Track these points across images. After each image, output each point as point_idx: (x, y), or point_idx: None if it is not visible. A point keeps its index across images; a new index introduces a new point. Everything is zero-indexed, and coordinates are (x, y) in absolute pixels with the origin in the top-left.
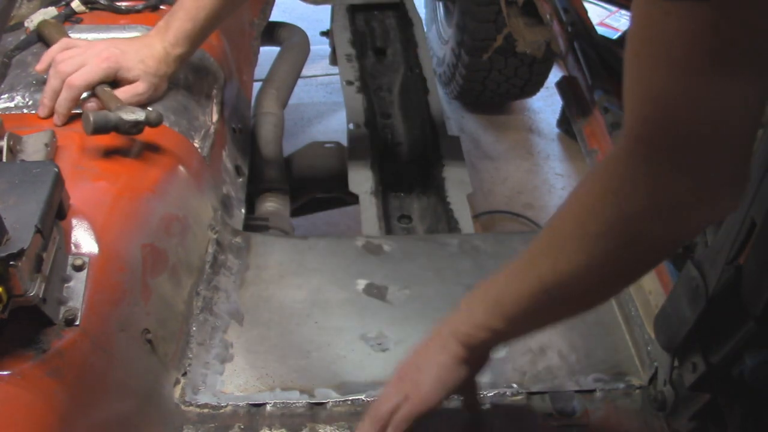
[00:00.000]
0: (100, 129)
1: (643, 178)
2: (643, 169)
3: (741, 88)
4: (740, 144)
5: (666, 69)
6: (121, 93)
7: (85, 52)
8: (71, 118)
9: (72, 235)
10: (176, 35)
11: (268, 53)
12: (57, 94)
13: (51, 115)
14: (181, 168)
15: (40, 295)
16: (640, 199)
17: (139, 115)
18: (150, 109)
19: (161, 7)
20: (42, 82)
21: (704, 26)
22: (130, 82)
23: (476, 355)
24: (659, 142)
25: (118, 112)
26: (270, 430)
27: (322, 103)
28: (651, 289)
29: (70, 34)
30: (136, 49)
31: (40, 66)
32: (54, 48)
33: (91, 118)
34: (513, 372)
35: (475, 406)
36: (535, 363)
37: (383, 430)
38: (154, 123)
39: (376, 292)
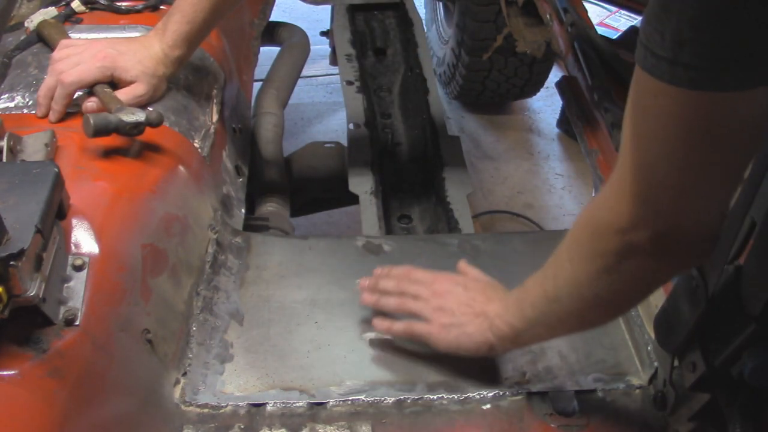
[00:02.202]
0: (101, 131)
1: (618, 222)
2: (618, 213)
3: (708, 184)
4: (711, 222)
5: (650, 143)
6: (121, 94)
7: (83, 52)
8: (71, 117)
9: (72, 235)
10: (174, 37)
11: (268, 53)
12: (52, 91)
13: (48, 113)
14: (181, 168)
15: (40, 295)
16: (614, 238)
17: (140, 116)
18: (150, 109)
19: (161, 7)
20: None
21: (688, 116)
22: (128, 82)
23: (501, 346)
24: (635, 205)
25: (119, 113)
26: (270, 430)
27: (322, 103)
28: None
29: (70, 34)
30: (134, 50)
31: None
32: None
33: (92, 121)
34: (513, 372)
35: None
36: (535, 363)
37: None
38: (155, 123)
39: None
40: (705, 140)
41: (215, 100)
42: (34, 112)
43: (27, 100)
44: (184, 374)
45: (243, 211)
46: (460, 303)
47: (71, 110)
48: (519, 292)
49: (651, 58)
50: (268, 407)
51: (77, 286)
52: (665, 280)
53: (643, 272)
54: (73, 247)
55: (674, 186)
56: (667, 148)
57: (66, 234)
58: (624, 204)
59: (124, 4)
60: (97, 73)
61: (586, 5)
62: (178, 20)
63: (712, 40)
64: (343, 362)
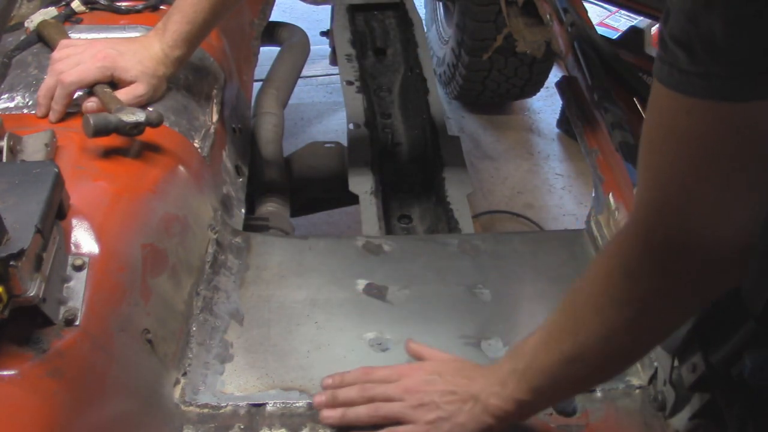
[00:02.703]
0: (101, 131)
1: (647, 259)
2: (645, 250)
3: (746, 198)
4: (740, 243)
5: (676, 164)
6: (122, 94)
7: (83, 52)
8: (71, 117)
9: (72, 235)
10: (174, 37)
11: (268, 53)
12: (52, 91)
13: (47, 113)
14: (181, 168)
15: (40, 295)
16: (647, 277)
17: (140, 116)
18: (150, 109)
19: (161, 7)
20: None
21: (723, 132)
22: (128, 82)
23: (502, 426)
24: (660, 227)
25: (118, 113)
26: (270, 430)
27: (322, 103)
28: None
29: (70, 34)
30: (134, 50)
31: None
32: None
33: (92, 121)
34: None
35: None
36: None
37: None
38: (155, 123)
39: (376, 292)
40: (749, 152)
41: (215, 100)
42: (34, 112)
43: (27, 100)
44: (184, 374)
45: (243, 211)
46: (441, 392)
47: (71, 110)
48: (515, 362)
49: (678, 75)
50: (268, 407)
51: (77, 286)
52: (706, 304)
53: (686, 300)
54: (73, 247)
55: (715, 203)
56: (705, 167)
57: (66, 234)
58: (660, 234)
59: (124, 4)
60: (96, 73)
61: (586, 5)
62: (178, 20)
63: (750, 46)
64: (343, 362)
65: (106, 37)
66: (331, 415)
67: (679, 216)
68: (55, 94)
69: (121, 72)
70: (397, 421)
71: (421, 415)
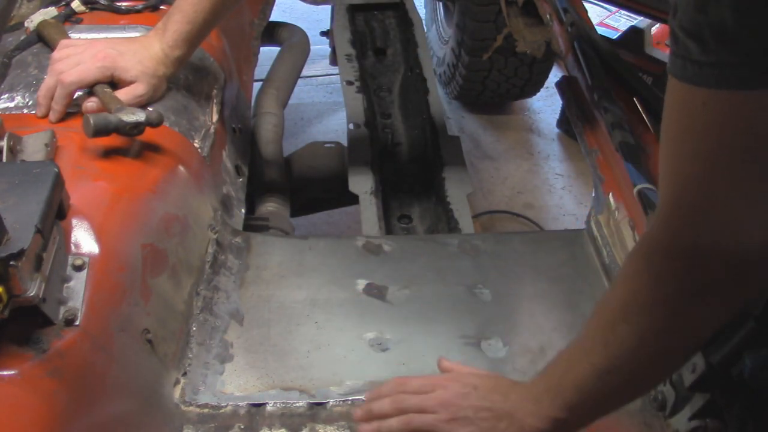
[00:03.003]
0: (101, 131)
1: (671, 259)
2: (669, 250)
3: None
4: (763, 239)
5: (695, 160)
6: (122, 94)
7: (83, 52)
8: (71, 117)
9: (72, 235)
10: (174, 37)
11: (268, 53)
12: (52, 92)
13: (48, 113)
14: (181, 168)
15: (40, 295)
16: (677, 279)
17: (140, 116)
18: (150, 109)
19: (161, 7)
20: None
21: (739, 122)
22: (128, 82)
23: None
24: (683, 227)
25: (118, 113)
26: (270, 430)
27: (322, 103)
28: None
29: (70, 34)
30: (134, 50)
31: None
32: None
33: (92, 121)
34: (513, 372)
35: None
36: (535, 363)
37: None
38: (155, 123)
39: (376, 292)
40: (766, 143)
41: (215, 100)
42: (34, 112)
43: (27, 100)
44: (184, 374)
45: (243, 211)
46: (476, 408)
47: (71, 110)
48: (548, 378)
49: (691, 67)
50: (268, 407)
51: (77, 286)
52: (735, 311)
53: (714, 304)
54: (73, 247)
55: (735, 199)
56: (724, 160)
57: (66, 234)
58: (683, 233)
59: (124, 4)
60: (97, 73)
61: (586, 5)
62: (178, 20)
63: (760, 33)
64: (343, 362)
65: (106, 37)
66: (366, 429)
67: (702, 214)
68: (55, 94)
69: (121, 72)
70: None
71: (455, 429)
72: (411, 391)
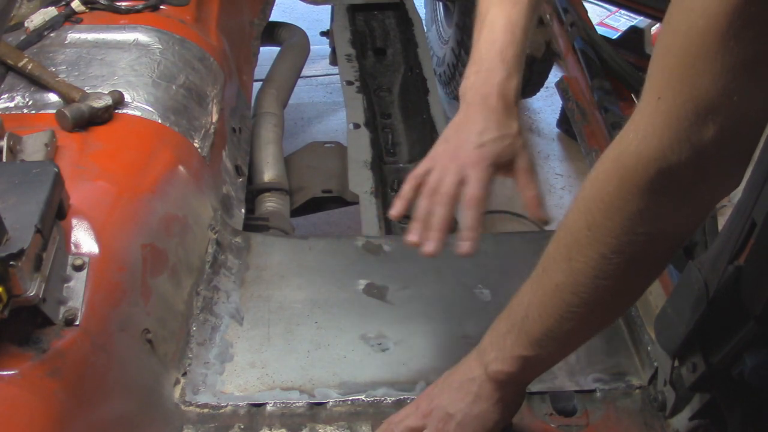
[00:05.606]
0: (79, 122)
1: (652, 139)
2: (653, 127)
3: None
4: (749, 124)
5: (686, 37)
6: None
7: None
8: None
9: (72, 235)
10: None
11: (268, 53)
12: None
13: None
14: (181, 168)
15: (40, 295)
16: (647, 168)
17: (107, 99)
18: (112, 90)
19: (161, 7)
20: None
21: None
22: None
23: (512, 394)
24: (670, 106)
25: (87, 101)
26: (270, 430)
27: (322, 103)
28: (651, 289)
29: (70, 34)
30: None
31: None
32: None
33: (68, 114)
34: None
35: None
36: None
37: None
38: (119, 101)
39: (376, 292)
40: (760, 26)
41: (215, 100)
42: (34, 111)
43: (27, 100)
44: (184, 374)
45: (243, 211)
46: (444, 382)
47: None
48: (510, 319)
49: None
50: (268, 407)
51: (77, 286)
52: (703, 213)
53: (683, 207)
54: (73, 247)
55: (721, 85)
56: (715, 42)
57: (66, 234)
58: (660, 130)
59: (124, 4)
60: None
61: (586, 5)
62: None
63: None
64: (343, 362)
65: (107, 38)
66: None
67: (694, 87)
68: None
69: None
70: None
71: (434, 407)
72: (398, 420)
